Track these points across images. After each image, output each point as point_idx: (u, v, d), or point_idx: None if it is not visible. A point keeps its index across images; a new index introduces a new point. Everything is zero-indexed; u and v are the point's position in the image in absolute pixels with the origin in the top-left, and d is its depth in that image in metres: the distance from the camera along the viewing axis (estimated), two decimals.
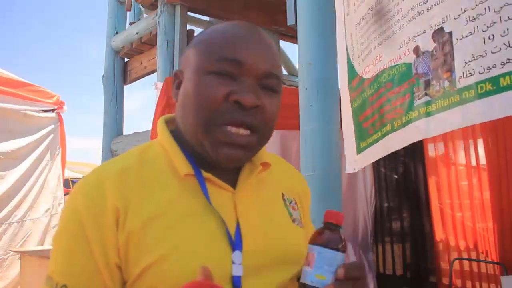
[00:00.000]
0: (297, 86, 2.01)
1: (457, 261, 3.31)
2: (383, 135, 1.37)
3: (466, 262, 3.38)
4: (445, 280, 3.31)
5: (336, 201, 1.72)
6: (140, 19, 3.89)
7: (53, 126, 4.09)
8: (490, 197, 3.22)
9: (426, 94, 1.18)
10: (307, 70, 1.80)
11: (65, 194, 4.44)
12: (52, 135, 4.06)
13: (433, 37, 1.17)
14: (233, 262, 0.63)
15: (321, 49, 1.81)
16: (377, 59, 1.41)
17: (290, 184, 0.80)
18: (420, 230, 3.60)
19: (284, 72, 4.34)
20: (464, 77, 1.06)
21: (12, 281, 3.52)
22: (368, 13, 1.46)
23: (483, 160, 3.32)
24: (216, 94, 0.64)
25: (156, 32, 3.36)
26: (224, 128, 0.64)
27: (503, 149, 3.02)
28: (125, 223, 0.62)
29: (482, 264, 3.30)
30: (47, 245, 3.73)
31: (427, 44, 1.18)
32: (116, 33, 4.15)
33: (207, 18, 4.06)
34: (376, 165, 3.42)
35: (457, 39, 1.08)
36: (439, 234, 3.48)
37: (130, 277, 0.61)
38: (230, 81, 0.65)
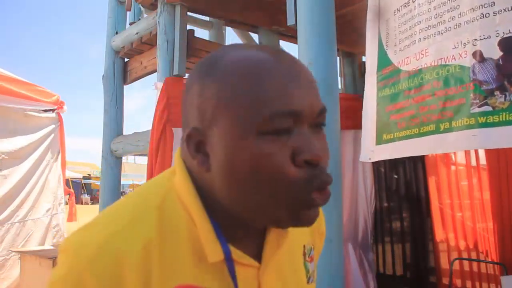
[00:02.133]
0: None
1: (457, 261, 3.31)
2: (422, 134, 1.31)
3: (466, 262, 3.38)
4: (445, 280, 3.32)
5: (336, 201, 1.72)
6: (140, 19, 3.89)
7: (53, 126, 4.09)
8: (490, 197, 3.23)
9: (487, 104, 1.13)
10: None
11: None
12: (52, 135, 4.06)
13: (499, 44, 1.12)
14: None
15: (321, 49, 1.81)
16: (422, 53, 1.35)
17: (312, 233, 0.71)
18: (420, 230, 3.60)
19: None
20: None
21: (15, 281, 3.52)
22: (413, 1, 1.40)
23: (483, 160, 3.33)
24: (282, 159, 0.51)
25: (156, 32, 3.36)
26: (311, 196, 0.52)
27: (503, 149, 3.02)
28: None
29: (482, 264, 3.31)
30: (47, 245, 3.73)
31: (492, 51, 1.12)
32: (116, 33, 4.15)
33: (207, 18, 4.07)
34: (376, 165, 3.42)
35: None
36: (439, 234, 3.48)
37: None
38: (287, 137, 0.51)
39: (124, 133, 4.14)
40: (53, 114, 4.09)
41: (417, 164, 3.60)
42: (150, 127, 2.81)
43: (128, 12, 4.13)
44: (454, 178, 3.47)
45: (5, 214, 3.54)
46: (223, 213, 0.56)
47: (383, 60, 1.54)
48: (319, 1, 1.86)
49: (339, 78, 3.95)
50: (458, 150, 1.19)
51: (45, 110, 4.01)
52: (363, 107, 1.63)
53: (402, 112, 1.43)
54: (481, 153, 3.26)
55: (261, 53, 0.54)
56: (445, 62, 1.26)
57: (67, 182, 4.38)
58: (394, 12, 1.50)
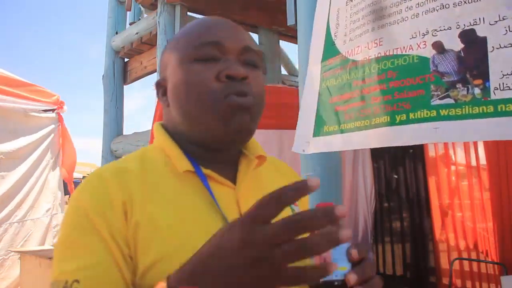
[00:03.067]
0: (297, 86, 2.00)
1: (457, 261, 3.31)
2: (374, 126, 1.26)
3: (466, 262, 3.38)
4: (445, 280, 3.31)
5: (336, 201, 1.72)
6: (140, 19, 3.89)
7: (53, 126, 4.08)
8: (490, 197, 3.22)
9: (448, 96, 1.10)
10: (307, 70, 1.80)
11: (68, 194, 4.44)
12: (52, 135, 4.05)
13: (460, 36, 1.10)
14: None
15: None
16: (375, 42, 1.31)
17: (282, 178, 0.80)
18: (420, 230, 3.60)
19: (284, 72, 4.33)
20: (500, 89, 1.00)
21: (14, 281, 3.52)
22: None
23: (483, 160, 3.32)
24: (208, 76, 0.67)
25: (156, 32, 3.36)
26: (229, 98, 0.66)
27: (503, 149, 3.02)
28: (132, 216, 0.61)
29: (482, 264, 3.30)
30: (47, 245, 3.73)
31: (453, 43, 1.10)
32: (116, 33, 4.15)
33: None
34: (376, 165, 3.42)
35: (493, 47, 1.01)
36: (439, 234, 3.48)
37: (137, 271, 0.61)
38: (215, 64, 0.68)
39: (124, 133, 4.13)
40: (53, 114, 4.09)
41: (417, 164, 3.60)
42: (150, 127, 2.80)
43: (128, 12, 4.13)
44: (454, 178, 3.47)
45: (3, 214, 3.53)
46: (187, 141, 0.71)
47: (330, 50, 1.48)
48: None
49: None
50: (417, 143, 1.14)
51: (45, 110, 4.00)
52: (302, 98, 1.56)
53: (350, 103, 1.36)
54: (481, 153, 3.26)
55: (200, 19, 0.76)
56: (401, 52, 1.23)
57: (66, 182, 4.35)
58: (347, 3, 1.45)
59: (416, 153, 3.60)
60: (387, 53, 1.24)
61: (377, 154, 3.59)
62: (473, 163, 3.41)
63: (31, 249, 3.42)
